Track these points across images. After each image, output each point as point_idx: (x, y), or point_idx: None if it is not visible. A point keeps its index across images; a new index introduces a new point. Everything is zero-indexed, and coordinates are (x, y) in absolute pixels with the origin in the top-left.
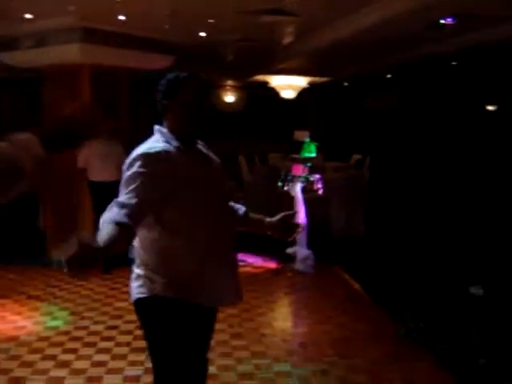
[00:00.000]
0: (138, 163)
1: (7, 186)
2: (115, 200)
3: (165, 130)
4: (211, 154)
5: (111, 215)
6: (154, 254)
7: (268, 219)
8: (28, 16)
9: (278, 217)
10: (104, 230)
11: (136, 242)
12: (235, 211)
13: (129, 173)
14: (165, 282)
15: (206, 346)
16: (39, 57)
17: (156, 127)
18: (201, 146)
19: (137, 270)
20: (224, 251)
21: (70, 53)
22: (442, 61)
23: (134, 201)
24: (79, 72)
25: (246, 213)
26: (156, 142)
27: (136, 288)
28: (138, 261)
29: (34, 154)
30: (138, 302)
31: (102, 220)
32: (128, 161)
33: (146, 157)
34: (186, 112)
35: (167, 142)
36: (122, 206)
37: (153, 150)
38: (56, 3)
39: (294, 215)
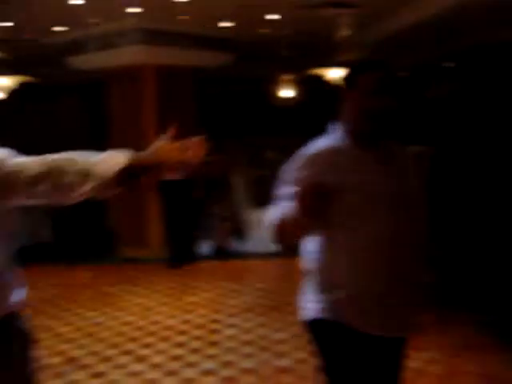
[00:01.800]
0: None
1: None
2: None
3: (342, 126)
4: (403, 162)
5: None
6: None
7: None
8: (92, 20)
9: None
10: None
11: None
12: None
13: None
14: (326, 303)
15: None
16: (105, 59)
17: (331, 125)
18: (392, 149)
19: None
20: (399, 270)
21: (133, 54)
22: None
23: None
24: (144, 72)
25: None
26: (329, 140)
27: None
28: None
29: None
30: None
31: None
32: (296, 160)
33: (312, 158)
34: (364, 104)
35: (341, 139)
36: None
37: (321, 150)
38: (117, 6)
39: None
